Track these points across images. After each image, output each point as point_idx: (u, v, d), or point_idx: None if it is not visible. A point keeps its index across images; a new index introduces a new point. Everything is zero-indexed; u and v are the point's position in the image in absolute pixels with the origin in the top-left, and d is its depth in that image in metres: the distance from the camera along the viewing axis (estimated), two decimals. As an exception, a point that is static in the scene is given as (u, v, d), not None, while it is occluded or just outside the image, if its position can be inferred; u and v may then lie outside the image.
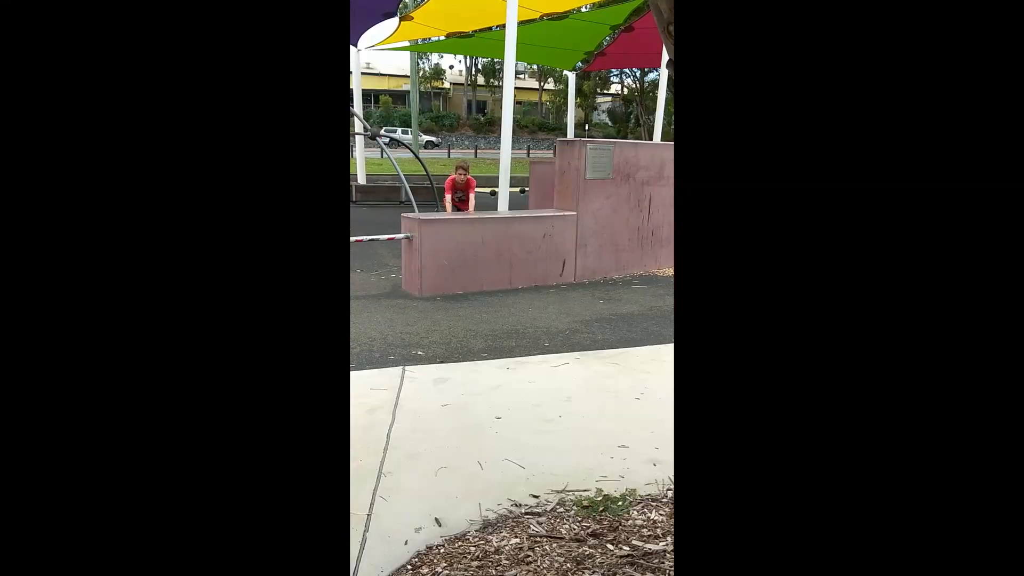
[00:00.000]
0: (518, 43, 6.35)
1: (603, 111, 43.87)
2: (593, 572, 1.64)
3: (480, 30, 11.09)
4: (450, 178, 7.03)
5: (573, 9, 9.78)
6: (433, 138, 33.75)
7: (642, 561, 1.68)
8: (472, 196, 7.06)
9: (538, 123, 40.46)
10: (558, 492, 2.08)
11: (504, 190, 6.51)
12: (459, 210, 6.94)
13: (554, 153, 6.92)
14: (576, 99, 17.66)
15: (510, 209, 6.24)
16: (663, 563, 1.67)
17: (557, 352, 3.69)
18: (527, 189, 9.22)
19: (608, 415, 2.73)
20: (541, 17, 9.74)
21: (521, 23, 7.60)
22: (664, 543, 1.77)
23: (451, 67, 43.06)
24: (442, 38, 11.83)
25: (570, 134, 14.76)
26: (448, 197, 6.91)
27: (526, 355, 3.62)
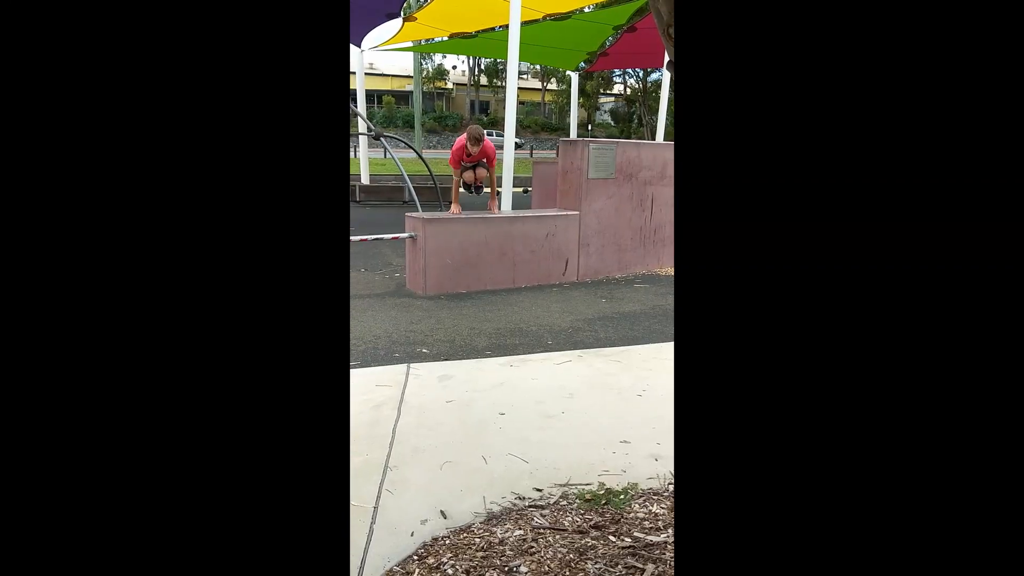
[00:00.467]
0: (521, 43, 6.37)
1: (606, 111, 43.87)
2: (595, 563, 1.67)
3: (483, 31, 11.10)
4: (459, 141, 5.35)
5: (576, 9, 9.78)
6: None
7: (643, 552, 1.72)
8: (492, 170, 5.63)
9: (541, 123, 40.46)
10: (561, 486, 2.11)
11: (507, 190, 6.54)
12: (472, 186, 5.83)
13: (557, 153, 6.92)
14: (579, 99, 17.66)
15: (513, 209, 6.27)
16: (664, 554, 1.71)
17: (560, 350, 3.71)
18: (530, 189, 9.25)
19: (610, 411, 2.76)
20: (544, 17, 9.75)
21: (524, 23, 7.63)
22: (665, 535, 1.81)
23: (454, 67, 43.11)
24: (445, 39, 11.83)
25: (573, 134, 14.75)
26: (456, 172, 5.46)
27: (529, 353, 3.65)
